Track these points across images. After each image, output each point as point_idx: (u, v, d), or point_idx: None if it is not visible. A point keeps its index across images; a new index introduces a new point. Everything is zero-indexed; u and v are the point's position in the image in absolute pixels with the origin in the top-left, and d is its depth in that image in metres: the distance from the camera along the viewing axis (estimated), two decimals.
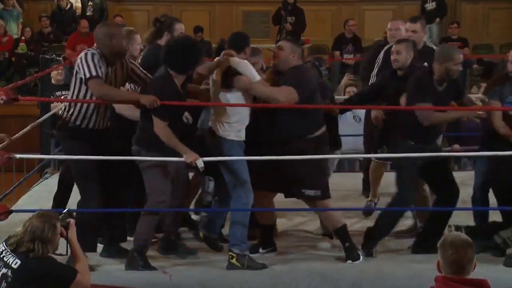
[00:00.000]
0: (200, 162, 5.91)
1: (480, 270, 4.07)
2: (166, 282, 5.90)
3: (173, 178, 6.15)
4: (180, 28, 7.19)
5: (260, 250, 6.52)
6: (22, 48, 15.31)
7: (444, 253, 4.02)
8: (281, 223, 7.26)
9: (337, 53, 15.33)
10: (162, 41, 7.00)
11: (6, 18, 15.90)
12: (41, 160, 9.21)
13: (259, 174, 6.29)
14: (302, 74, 6.35)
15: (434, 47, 7.75)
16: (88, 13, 16.21)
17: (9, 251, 4.61)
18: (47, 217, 4.66)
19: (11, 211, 6.09)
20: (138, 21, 17.34)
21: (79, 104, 6.00)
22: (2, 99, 5.88)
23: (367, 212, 7.51)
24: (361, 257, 6.32)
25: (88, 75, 5.89)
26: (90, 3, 16.39)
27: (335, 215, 6.40)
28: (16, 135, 7.00)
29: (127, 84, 6.41)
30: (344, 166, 10.33)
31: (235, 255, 6.09)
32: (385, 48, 7.66)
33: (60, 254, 4.67)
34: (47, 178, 8.66)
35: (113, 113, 6.32)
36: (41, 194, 6.19)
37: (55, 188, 7.05)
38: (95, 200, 6.08)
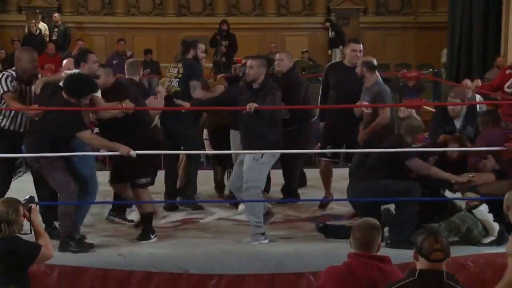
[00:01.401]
0: (133, 153, 5.83)
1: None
2: (121, 262, 5.77)
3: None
4: (201, 47, 7.60)
5: (152, 237, 6.32)
6: None
7: (354, 233, 4.06)
8: (216, 212, 7.21)
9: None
10: (189, 56, 7.46)
11: None
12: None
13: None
14: None
15: None
16: (54, 38, 15.95)
17: None
18: (9, 202, 4.63)
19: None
20: (97, 44, 17.17)
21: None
22: None
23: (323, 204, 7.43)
24: (152, 238, 6.24)
25: (1, 91, 6.14)
26: (55, 29, 16.14)
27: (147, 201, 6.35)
28: None
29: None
30: None
31: None
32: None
33: (25, 233, 4.62)
34: (20, 176, 8.44)
35: None
36: (16, 190, 6.10)
37: (28, 184, 6.84)
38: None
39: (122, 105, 6.21)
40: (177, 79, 7.44)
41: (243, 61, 7.79)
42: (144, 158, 6.03)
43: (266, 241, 6.21)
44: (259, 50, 16.87)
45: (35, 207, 4.74)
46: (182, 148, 7.51)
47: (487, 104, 8.04)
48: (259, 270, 5.77)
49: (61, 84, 6.05)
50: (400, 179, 6.08)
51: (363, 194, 6.11)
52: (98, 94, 6.16)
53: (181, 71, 7.43)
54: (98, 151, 7.09)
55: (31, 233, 4.68)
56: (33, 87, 6.24)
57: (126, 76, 7.53)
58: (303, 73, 15.62)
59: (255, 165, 6.26)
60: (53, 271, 5.67)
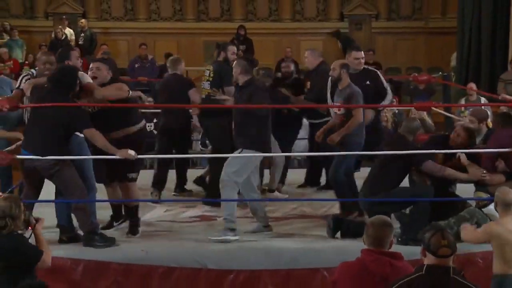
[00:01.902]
0: (132, 153, 5.74)
1: None
2: (143, 257, 5.79)
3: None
4: (232, 49, 7.72)
5: (114, 224, 6.41)
6: (25, 70, 15.08)
7: (367, 230, 4.05)
8: None
9: (279, 74, 15.30)
10: (220, 58, 7.61)
11: (12, 46, 15.68)
12: None
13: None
14: None
15: None
16: (80, 42, 16.02)
17: None
18: (12, 197, 4.68)
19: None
20: (120, 49, 17.29)
21: None
22: (6, 108, 5.79)
23: None
24: (139, 233, 6.25)
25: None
26: (82, 34, 16.22)
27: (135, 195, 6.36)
28: None
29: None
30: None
31: None
32: None
33: (22, 231, 4.64)
34: None
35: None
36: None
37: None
38: None
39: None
40: (208, 82, 7.53)
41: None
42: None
43: (235, 237, 6.08)
44: (275, 55, 16.92)
45: (44, 219, 4.77)
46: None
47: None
48: (275, 266, 5.77)
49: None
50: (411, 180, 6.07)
51: (379, 206, 5.96)
52: (89, 80, 6.11)
53: (211, 74, 7.52)
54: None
55: (25, 231, 4.70)
56: None
57: (170, 72, 8.02)
58: None
59: (236, 160, 6.21)
60: (78, 266, 5.70)
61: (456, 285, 3.59)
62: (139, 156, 5.90)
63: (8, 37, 16.04)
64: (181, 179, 8.13)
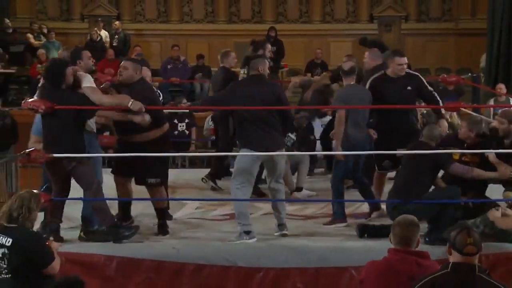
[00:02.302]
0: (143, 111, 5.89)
1: None
2: (174, 254, 5.83)
3: None
4: (268, 47, 7.85)
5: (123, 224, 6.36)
6: None
7: (394, 230, 4.03)
8: (263, 208, 7.25)
9: (309, 74, 15.31)
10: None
11: (50, 48, 15.79)
12: None
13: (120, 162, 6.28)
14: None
15: None
16: (114, 44, 16.16)
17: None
18: (33, 192, 4.71)
19: (52, 199, 6.04)
20: (152, 50, 17.42)
21: None
22: (41, 109, 5.85)
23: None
24: (169, 233, 6.26)
25: None
26: (116, 36, 16.36)
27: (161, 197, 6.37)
28: None
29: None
30: None
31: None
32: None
33: None
34: None
35: None
36: None
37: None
38: None
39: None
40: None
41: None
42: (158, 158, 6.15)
43: (251, 240, 6.06)
44: (305, 56, 16.92)
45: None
46: None
47: None
48: (303, 264, 5.77)
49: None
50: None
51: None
52: (90, 84, 6.05)
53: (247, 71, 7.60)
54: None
55: None
56: None
57: (221, 65, 8.17)
58: None
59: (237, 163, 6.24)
60: (111, 262, 5.75)
61: (482, 283, 3.57)
62: (165, 154, 5.95)
63: (45, 39, 16.22)
64: (218, 171, 8.30)
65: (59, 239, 5.85)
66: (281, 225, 6.32)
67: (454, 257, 3.64)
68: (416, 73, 7.21)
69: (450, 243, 3.66)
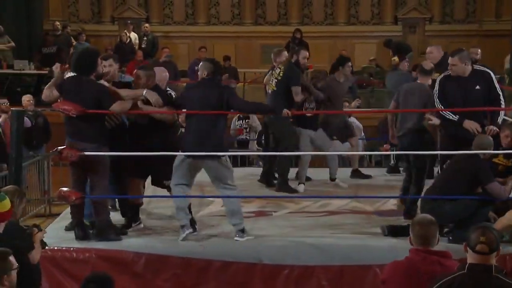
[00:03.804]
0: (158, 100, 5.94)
1: None
2: (201, 251, 5.85)
3: None
4: (304, 54, 8.05)
5: (133, 224, 6.36)
6: None
7: (414, 229, 3.99)
8: (288, 206, 7.22)
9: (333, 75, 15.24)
10: (292, 60, 7.94)
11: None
12: None
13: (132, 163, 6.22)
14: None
15: None
16: (143, 46, 16.23)
17: None
18: (16, 189, 4.82)
19: (84, 196, 6.08)
20: (180, 52, 17.45)
21: None
22: (73, 113, 5.86)
23: None
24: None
25: None
26: (145, 38, 16.43)
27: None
28: None
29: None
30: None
31: None
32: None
33: None
34: None
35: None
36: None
37: None
38: None
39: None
40: (276, 80, 7.80)
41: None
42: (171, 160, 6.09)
43: (244, 238, 5.99)
44: (329, 57, 16.85)
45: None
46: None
47: None
48: (328, 262, 5.75)
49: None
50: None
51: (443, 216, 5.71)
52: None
53: (281, 74, 7.75)
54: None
55: None
56: None
57: (273, 63, 8.32)
58: (371, 78, 15.49)
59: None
60: (140, 259, 5.78)
61: (498, 283, 3.48)
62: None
63: (76, 42, 16.32)
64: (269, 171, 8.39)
65: (85, 235, 5.91)
66: (238, 231, 6.05)
67: (470, 257, 3.59)
68: (488, 70, 6.54)
69: (466, 241, 3.62)
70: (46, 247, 4.85)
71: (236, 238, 6.03)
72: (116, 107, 5.88)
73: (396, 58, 9.66)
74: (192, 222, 6.27)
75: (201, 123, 5.95)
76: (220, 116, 6.03)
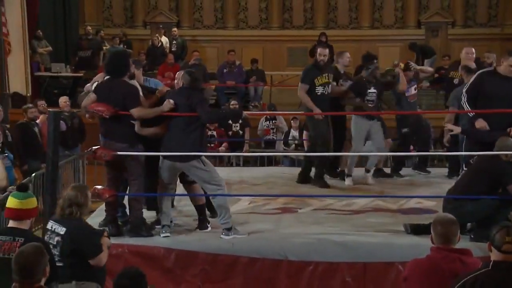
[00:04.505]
0: (172, 102, 5.96)
1: None
2: (229, 247, 5.86)
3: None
4: (346, 56, 8.47)
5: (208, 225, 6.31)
6: None
7: (435, 228, 3.96)
8: (313, 203, 7.21)
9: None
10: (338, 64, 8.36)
11: None
12: None
13: None
14: None
15: None
16: (173, 49, 16.30)
17: (56, 222, 4.62)
18: (79, 187, 4.75)
19: (117, 194, 6.12)
20: (209, 55, 17.49)
21: None
22: (106, 114, 5.90)
23: None
24: (209, 227, 6.19)
25: None
26: (174, 42, 16.49)
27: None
28: None
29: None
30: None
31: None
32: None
33: None
34: None
35: None
36: None
37: None
38: None
39: None
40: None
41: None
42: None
43: (229, 236, 5.96)
44: (354, 60, 16.70)
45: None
46: None
47: None
48: (352, 259, 5.73)
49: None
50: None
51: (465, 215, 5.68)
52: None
53: (329, 78, 8.03)
54: None
55: None
56: None
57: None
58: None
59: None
60: (170, 254, 5.81)
61: None
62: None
63: (108, 46, 16.42)
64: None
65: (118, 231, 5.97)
66: (226, 230, 6.03)
67: (494, 255, 3.56)
68: None
69: (490, 240, 3.58)
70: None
71: (221, 236, 6.00)
72: (135, 111, 5.90)
73: (400, 64, 9.51)
74: (204, 221, 6.30)
75: (175, 128, 5.99)
76: (192, 123, 5.97)
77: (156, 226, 6.21)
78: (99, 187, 6.08)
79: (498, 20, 17.65)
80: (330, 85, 8.05)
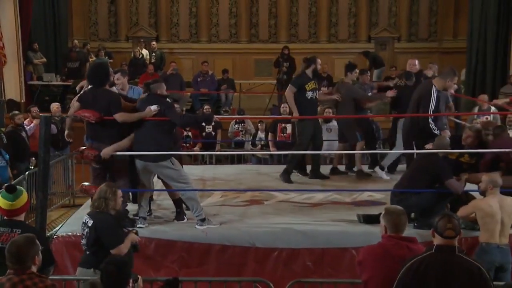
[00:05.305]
0: (154, 108, 5.83)
1: None
2: (203, 236, 5.83)
3: None
4: (319, 62, 8.23)
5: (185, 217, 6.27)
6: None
7: (386, 218, 3.98)
8: (277, 196, 7.20)
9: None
10: (309, 71, 7.91)
11: None
12: None
13: None
14: None
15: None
16: (153, 61, 16.16)
17: (88, 216, 4.66)
18: (110, 184, 4.76)
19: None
20: (185, 66, 17.36)
21: None
22: (92, 120, 5.82)
23: None
24: (185, 219, 6.15)
25: None
26: (153, 54, 16.34)
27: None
28: None
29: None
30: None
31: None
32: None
33: None
34: None
35: None
36: None
37: None
38: None
39: None
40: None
41: None
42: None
43: (203, 227, 5.91)
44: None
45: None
46: None
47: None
48: (311, 245, 5.75)
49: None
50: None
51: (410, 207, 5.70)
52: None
53: (316, 84, 8.04)
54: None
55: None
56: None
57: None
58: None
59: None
60: (151, 243, 5.76)
61: (461, 261, 3.54)
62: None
63: (94, 57, 16.24)
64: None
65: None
66: (200, 221, 5.97)
67: (437, 240, 3.61)
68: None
69: (434, 227, 3.63)
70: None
71: (196, 226, 5.95)
72: (118, 116, 5.81)
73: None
74: (181, 213, 6.25)
75: (143, 132, 5.91)
76: (158, 126, 5.90)
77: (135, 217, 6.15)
78: (86, 183, 6.00)
79: (437, 36, 17.90)
80: (317, 91, 8.03)
